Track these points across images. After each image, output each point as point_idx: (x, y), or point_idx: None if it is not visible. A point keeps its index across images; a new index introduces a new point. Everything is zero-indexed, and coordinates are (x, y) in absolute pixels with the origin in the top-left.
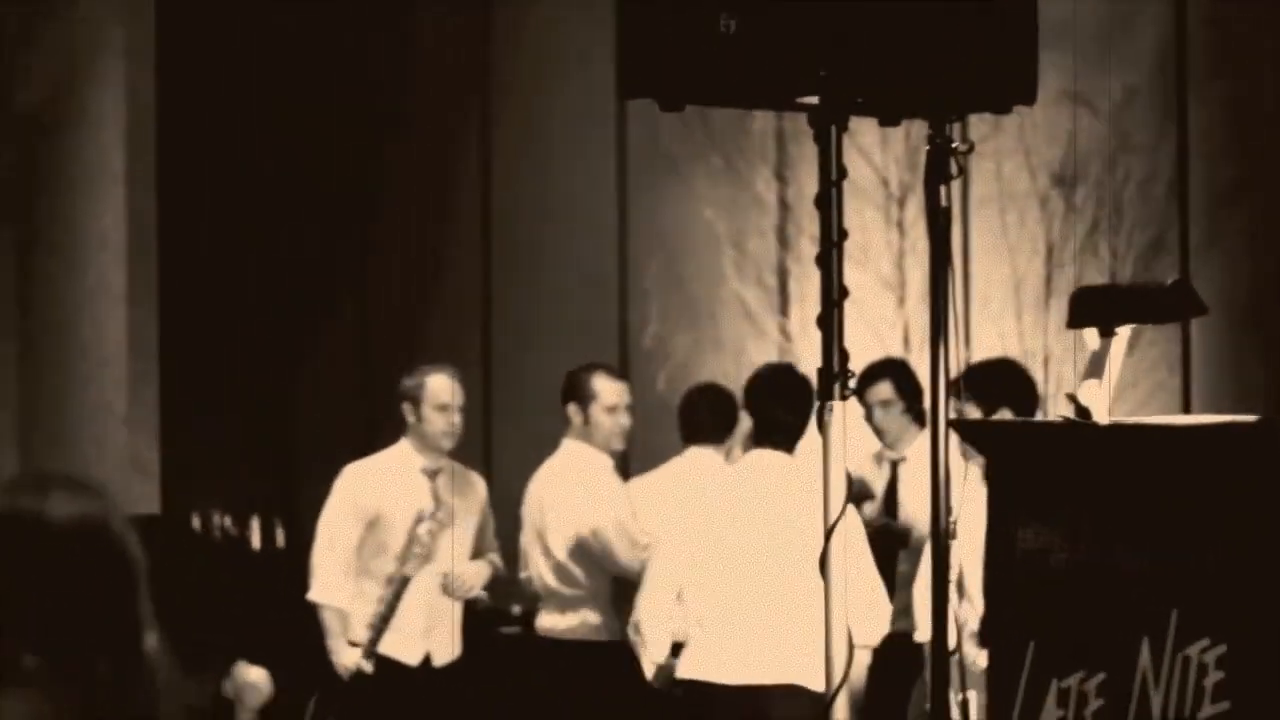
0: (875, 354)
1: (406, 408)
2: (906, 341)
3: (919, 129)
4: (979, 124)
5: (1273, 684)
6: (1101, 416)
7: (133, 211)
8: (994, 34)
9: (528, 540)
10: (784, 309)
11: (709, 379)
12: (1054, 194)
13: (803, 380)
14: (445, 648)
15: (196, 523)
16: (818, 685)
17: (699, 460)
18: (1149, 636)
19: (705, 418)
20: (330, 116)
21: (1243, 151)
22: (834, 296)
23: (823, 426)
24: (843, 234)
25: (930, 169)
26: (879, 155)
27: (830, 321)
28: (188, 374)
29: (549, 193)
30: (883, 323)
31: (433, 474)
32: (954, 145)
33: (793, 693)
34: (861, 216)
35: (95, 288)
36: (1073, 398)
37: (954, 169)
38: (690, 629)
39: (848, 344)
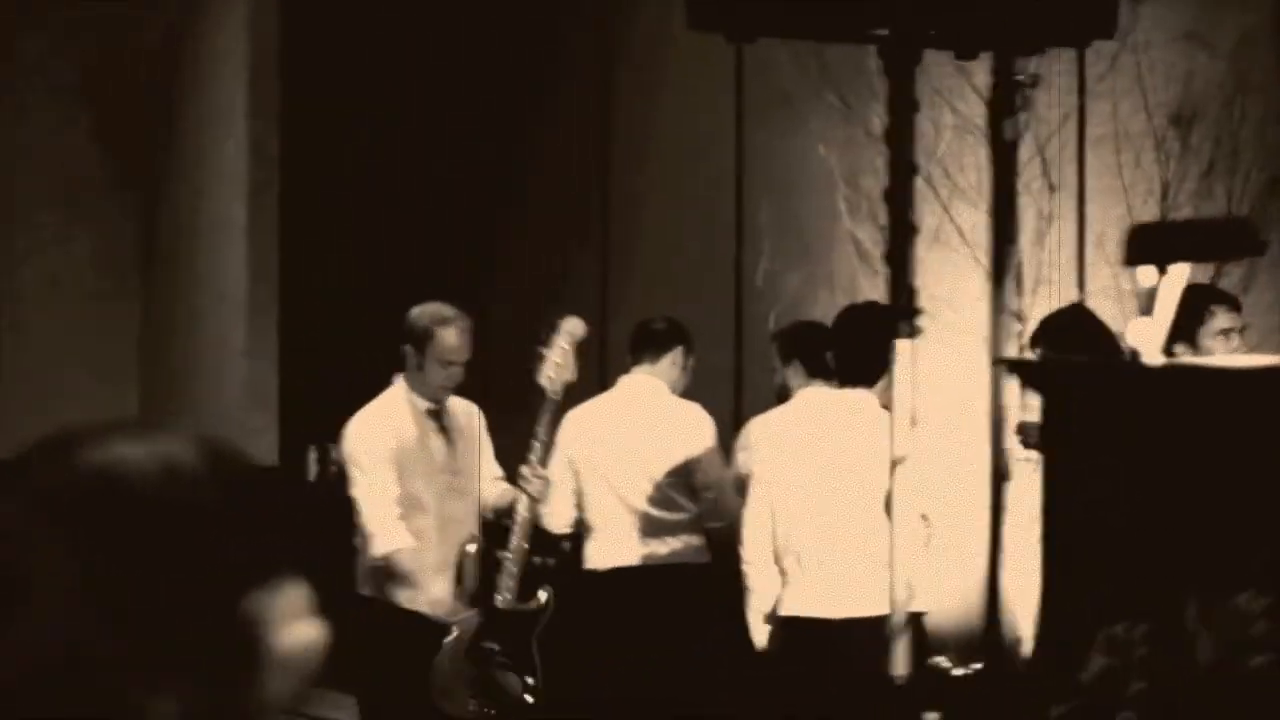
0: (987, 291)
1: (409, 350)
2: (1019, 281)
3: (1036, 64)
4: (1095, 63)
5: None
6: (1153, 356)
7: (255, 144)
8: None
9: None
10: None
11: (820, 318)
12: (1170, 134)
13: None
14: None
15: (314, 456)
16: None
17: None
18: (1197, 584)
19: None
20: (455, 58)
21: None
22: (903, 232)
23: (888, 365)
24: (912, 169)
25: (994, 103)
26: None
27: (899, 258)
28: (308, 306)
29: (667, 132)
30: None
31: (436, 414)
32: (1019, 79)
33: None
34: (976, 155)
35: (216, 220)
36: (1120, 337)
37: (1019, 102)
38: (788, 566)
39: (960, 283)
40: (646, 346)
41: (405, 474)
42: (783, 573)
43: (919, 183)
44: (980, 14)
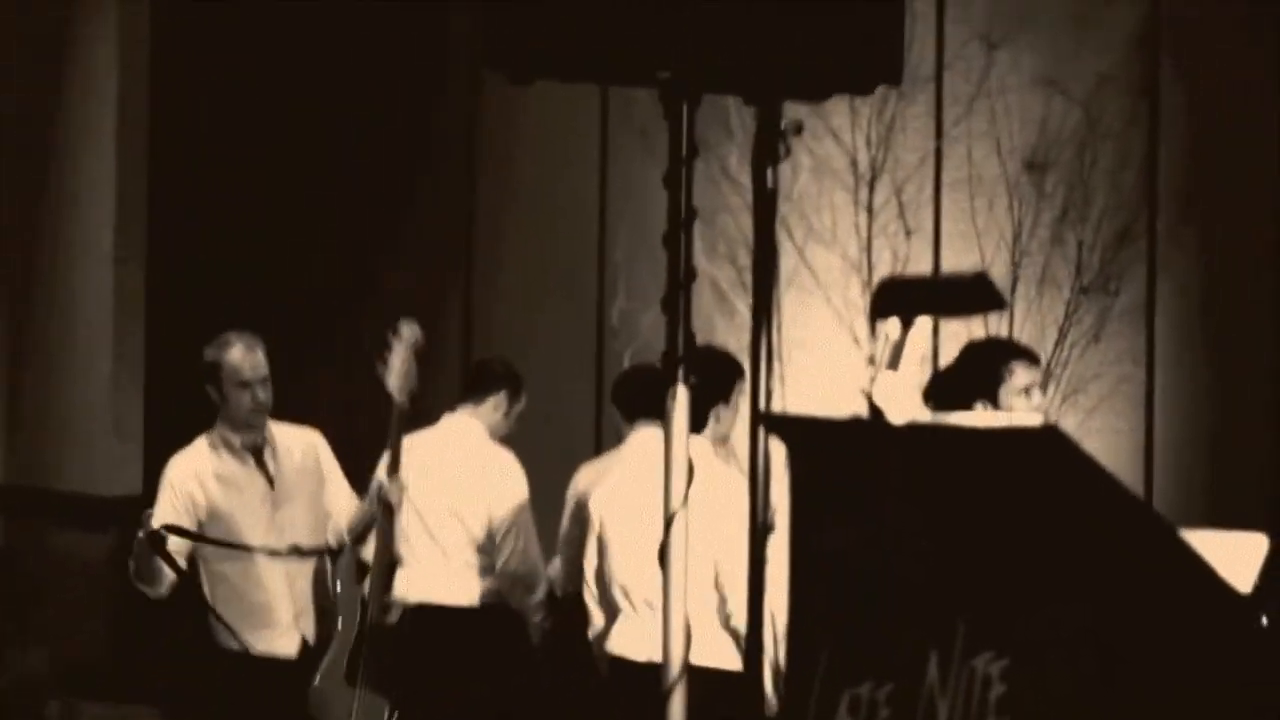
0: (840, 335)
1: (209, 388)
2: (873, 325)
3: (893, 107)
4: (952, 106)
5: (1051, 699)
6: (895, 414)
7: (123, 170)
8: (858, 12)
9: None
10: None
11: None
12: (1024, 179)
13: (727, 359)
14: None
15: None
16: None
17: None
18: (937, 646)
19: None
20: (326, 90)
21: (1213, 140)
22: (680, 279)
23: (664, 412)
24: (691, 214)
25: (758, 150)
26: (849, 136)
27: (675, 304)
28: (174, 335)
29: (533, 166)
30: (848, 305)
31: (256, 449)
32: (781, 127)
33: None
34: (830, 197)
35: (82, 245)
36: (868, 394)
37: (781, 151)
38: (622, 604)
39: (814, 326)
40: (472, 386)
41: (220, 517)
42: (613, 608)
43: (777, 224)
44: (760, 59)
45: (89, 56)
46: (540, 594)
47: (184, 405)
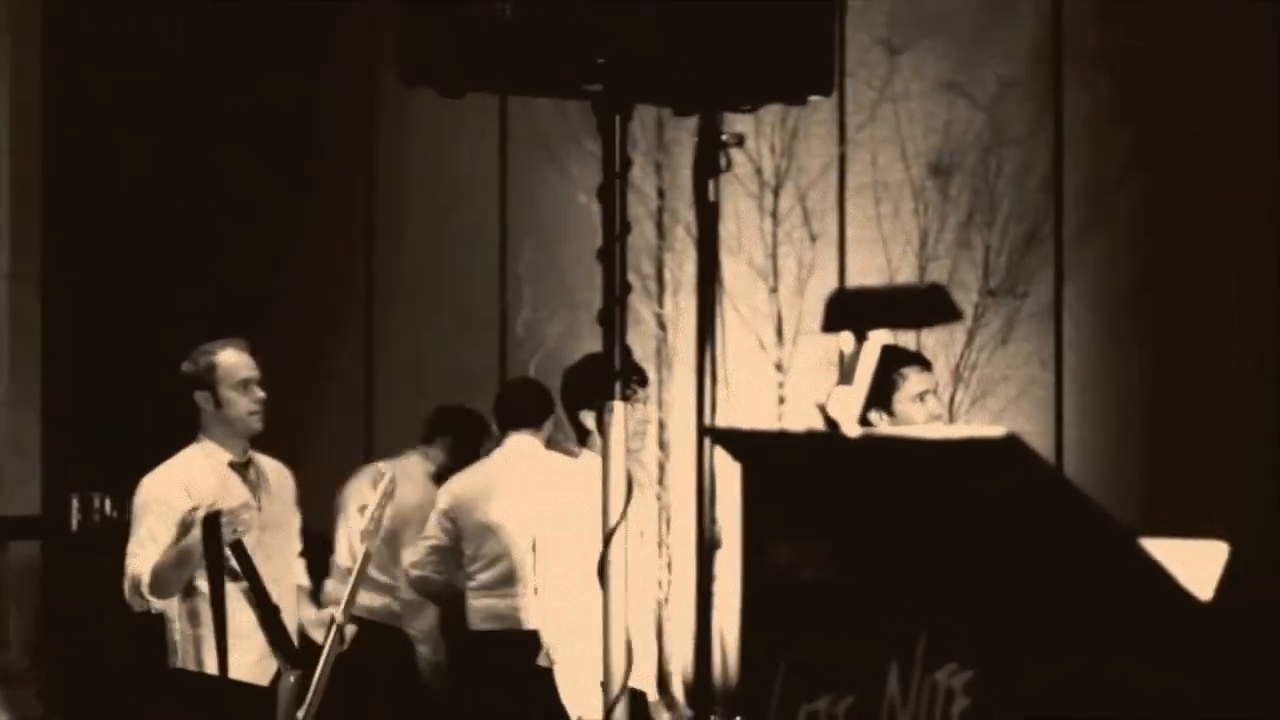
0: (747, 341)
1: (200, 396)
2: (780, 331)
3: (796, 113)
4: (855, 112)
5: (1017, 710)
6: (850, 427)
7: (16, 187)
8: (787, 23)
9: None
10: (660, 297)
11: None
12: (929, 184)
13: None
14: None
15: (76, 505)
16: None
17: (521, 446)
18: (898, 658)
19: (525, 405)
20: (222, 100)
21: (1119, 144)
22: (615, 293)
23: (602, 427)
24: (625, 227)
25: (699, 163)
26: (753, 143)
27: (612, 319)
28: (70, 353)
29: (430, 176)
30: (754, 312)
31: (243, 466)
32: (723, 138)
33: None
34: (735, 204)
35: None
36: (821, 407)
37: (723, 163)
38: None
39: (721, 330)
40: (425, 428)
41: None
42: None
43: (679, 231)
44: (692, 70)
45: None
46: (426, 621)
47: (81, 423)
